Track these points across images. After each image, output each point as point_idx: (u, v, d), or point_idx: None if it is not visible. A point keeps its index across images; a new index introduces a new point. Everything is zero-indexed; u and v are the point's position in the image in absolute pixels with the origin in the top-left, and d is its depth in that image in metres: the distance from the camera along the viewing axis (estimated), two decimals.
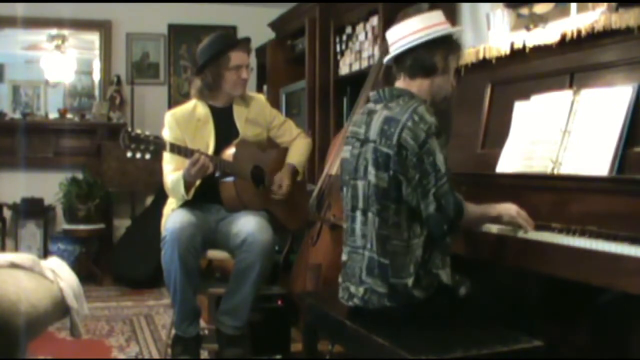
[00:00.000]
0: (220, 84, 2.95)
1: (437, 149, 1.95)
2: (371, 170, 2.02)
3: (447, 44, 2.11)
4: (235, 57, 2.94)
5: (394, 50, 2.12)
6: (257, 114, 3.09)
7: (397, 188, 1.98)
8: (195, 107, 2.99)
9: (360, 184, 2.07)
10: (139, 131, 2.66)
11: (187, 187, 2.82)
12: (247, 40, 3.08)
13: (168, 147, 2.73)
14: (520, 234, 2.09)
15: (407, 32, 2.08)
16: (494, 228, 2.19)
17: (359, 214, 2.09)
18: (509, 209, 2.10)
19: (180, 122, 2.93)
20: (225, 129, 2.98)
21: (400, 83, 2.13)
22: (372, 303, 2.03)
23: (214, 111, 3.00)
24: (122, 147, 2.64)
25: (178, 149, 2.76)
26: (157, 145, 2.70)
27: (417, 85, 2.10)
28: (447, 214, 1.96)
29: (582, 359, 2.25)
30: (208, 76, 2.94)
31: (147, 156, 2.68)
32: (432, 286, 2.00)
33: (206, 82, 2.95)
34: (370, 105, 2.15)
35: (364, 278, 2.04)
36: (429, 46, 2.07)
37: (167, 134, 2.92)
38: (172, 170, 2.88)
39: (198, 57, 3.00)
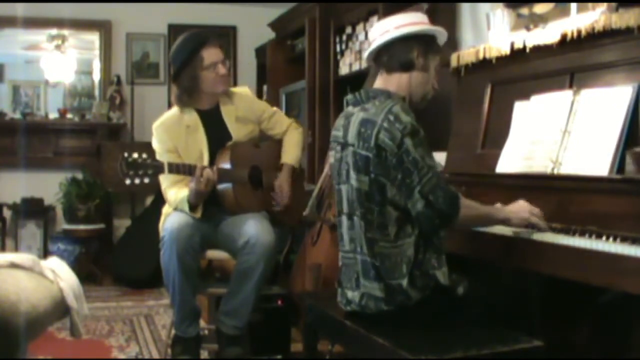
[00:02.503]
0: (198, 86, 2.86)
1: (416, 147, 1.93)
2: (352, 174, 2.02)
3: (424, 42, 2.12)
4: (208, 54, 2.85)
5: (373, 45, 2.14)
6: (246, 110, 3.01)
7: (379, 191, 1.97)
8: (182, 114, 2.90)
9: (344, 188, 2.08)
10: (135, 155, 2.59)
11: (193, 207, 2.78)
12: (214, 35, 2.99)
13: (166, 168, 2.66)
14: (533, 235, 2.05)
15: (386, 29, 2.10)
16: (494, 228, 2.19)
17: (344, 218, 2.10)
18: (518, 211, 2.07)
19: (171, 132, 2.86)
20: (216, 133, 2.91)
21: (379, 80, 2.14)
22: (370, 308, 2.03)
23: (202, 115, 2.92)
24: (120, 175, 2.58)
25: (177, 168, 2.70)
26: (155, 169, 2.64)
27: (396, 81, 2.10)
28: (438, 209, 1.94)
29: (582, 359, 2.25)
30: (185, 81, 2.84)
31: (146, 180, 2.61)
32: (428, 287, 1.99)
33: (184, 87, 2.85)
34: (349, 108, 2.14)
35: (361, 281, 2.04)
36: (404, 42, 2.09)
37: (157, 147, 2.85)
38: (171, 185, 2.84)
39: (171, 63, 2.91)
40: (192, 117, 2.91)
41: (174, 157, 2.83)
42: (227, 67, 2.92)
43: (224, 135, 2.93)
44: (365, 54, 2.21)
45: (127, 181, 2.59)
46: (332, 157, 2.17)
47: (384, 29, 2.11)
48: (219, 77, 2.88)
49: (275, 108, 3.22)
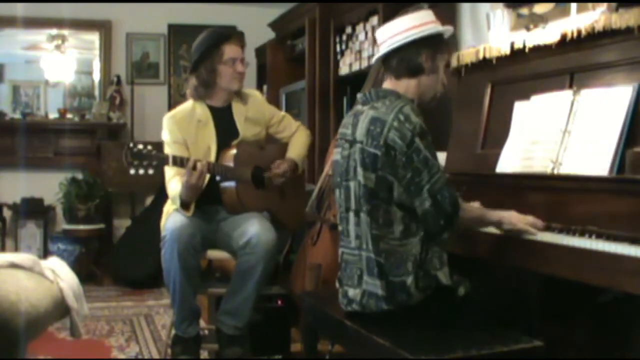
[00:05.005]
0: (215, 79, 2.92)
1: (426, 147, 1.95)
2: (359, 170, 2.02)
3: (434, 44, 2.09)
4: (229, 50, 2.91)
5: (381, 50, 2.11)
6: (256, 112, 3.07)
7: (386, 189, 1.97)
8: (194, 108, 2.96)
9: (352, 184, 2.07)
10: (140, 146, 2.65)
11: (185, 205, 2.80)
12: (239, 34, 3.05)
13: (171, 160, 2.71)
14: (526, 236, 2.06)
15: (394, 32, 2.07)
16: (494, 228, 2.19)
17: (351, 215, 2.09)
18: (510, 216, 2.09)
19: (181, 125, 2.91)
20: (226, 130, 2.96)
21: (388, 83, 2.13)
22: (370, 308, 2.03)
23: (214, 112, 2.97)
24: (124, 164, 2.64)
25: (180, 161, 2.73)
26: (159, 160, 2.68)
27: (404, 86, 2.10)
28: (444, 209, 1.95)
29: (582, 359, 2.25)
30: (203, 73, 2.90)
31: (150, 171, 2.67)
32: (430, 287, 1.99)
33: (201, 79, 2.91)
34: (358, 107, 2.14)
35: (364, 278, 2.04)
36: (414, 46, 2.06)
37: (167, 138, 2.89)
38: (174, 175, 2.86)
39: (192, 55, 2.98)
40: (204, 112, 2.96)
41: (182, 149, 2.86)
42: (245, 66, 2.98)
43: (233, 133, 2.97)
44: (373, 58, 2.19)
45: (132, 171, 2.64)
46: (338, 154, 2.16)
47: (392, 32, 2.08)
48: (236, 74, 2.94)
49: (283, 112, 3.29)
